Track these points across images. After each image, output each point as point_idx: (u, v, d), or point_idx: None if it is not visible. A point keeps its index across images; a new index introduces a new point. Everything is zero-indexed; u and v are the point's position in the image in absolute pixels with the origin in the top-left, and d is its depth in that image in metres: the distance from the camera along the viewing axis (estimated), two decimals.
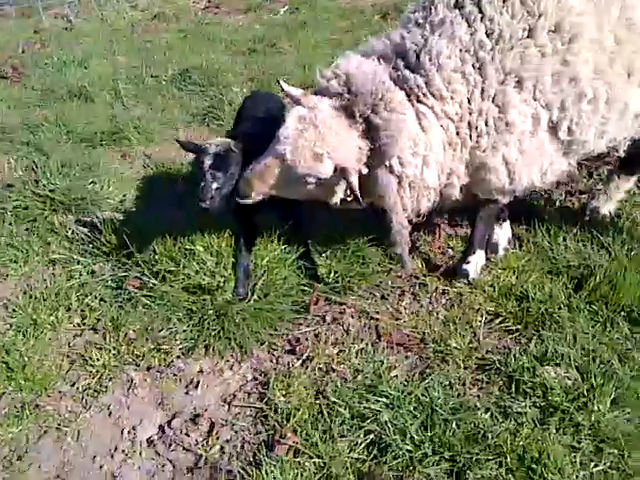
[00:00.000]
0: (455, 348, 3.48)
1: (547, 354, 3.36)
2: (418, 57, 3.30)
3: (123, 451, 3.06)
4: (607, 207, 4.42)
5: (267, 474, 2.83)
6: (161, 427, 3.16)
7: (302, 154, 3.16)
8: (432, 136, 3.31)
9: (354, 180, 3.19)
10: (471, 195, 3.69)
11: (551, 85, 3.27)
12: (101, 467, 3.00)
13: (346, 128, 3.20)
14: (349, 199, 3.39)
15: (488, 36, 3.27)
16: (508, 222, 4.21)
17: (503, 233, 4.18)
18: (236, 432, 3.12)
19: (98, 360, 3.48)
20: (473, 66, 3.27)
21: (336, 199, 3.43)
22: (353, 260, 4.07)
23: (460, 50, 3.27)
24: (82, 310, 3.81)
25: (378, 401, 3.13)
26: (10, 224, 4.51)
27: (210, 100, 6.47)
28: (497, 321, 3.68)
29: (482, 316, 3.71)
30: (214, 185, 3.45)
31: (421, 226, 4.28)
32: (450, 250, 4.27)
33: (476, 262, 3.96)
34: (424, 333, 3.60)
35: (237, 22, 9.26)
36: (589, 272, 3.84)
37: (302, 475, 2.84)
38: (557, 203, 4.65)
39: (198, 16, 9.61)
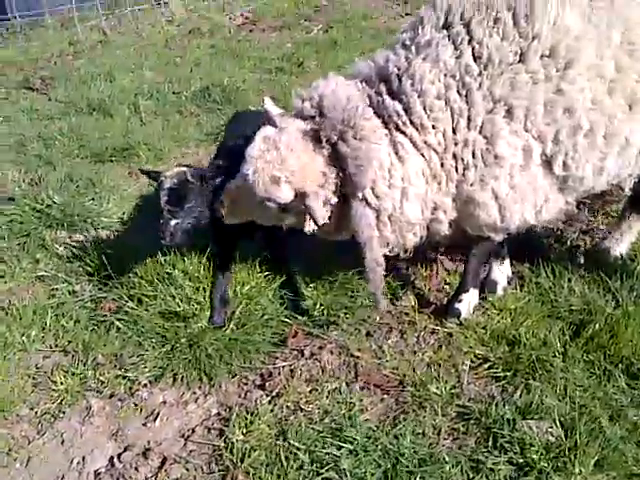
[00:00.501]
0: (435, 393, 3.25)
1: (532, 406, 3.10)
2: (400, 81, 3.13)
3: None
4: (619, 248, 4.13)
5: None
6: (111, 459, 3.02)
7: (261, 176, 3.03)
8: (410, 167, 3.13)
9: (313, 204, 3.02)
10: (461, 231, 3.48)
11: (544, 115, 3.06)
12: None
13: (310, 152, 3.06)
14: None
15: (476, 60, 3.08)
16: (508, 260, 3.97)
17: (503, 271, 3.95)
18: (187, 470, 2.94)
19: (62, 384, 3.36)
20: (459, 92, 3.09)
21: (308, 227, 3.25)
22: (340, 293, 3.90)
23: (445, 75, 3.09)
24: (56, 331, 3.70)
25: (341, 447, 2.92)
26: (3, 238, 4.47)
27: (226, 118, 6.39)
28: (485, 366, 3.43)
29: (469, 360, 3.47)
30: (172, 222, 3.33)
31: (418, 260, 4.09)
32: (447, 287, 4.05)
33: (469, 301, 3.74)
34: (404, 375, 3.38)
35: (269, 39, 9.22)
36: (590, 318, 3.57)
37: None
38: (567, 241, 4.37)
39: (232, 32, 9.59)
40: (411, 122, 3.11)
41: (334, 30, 9.55)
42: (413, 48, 3.20)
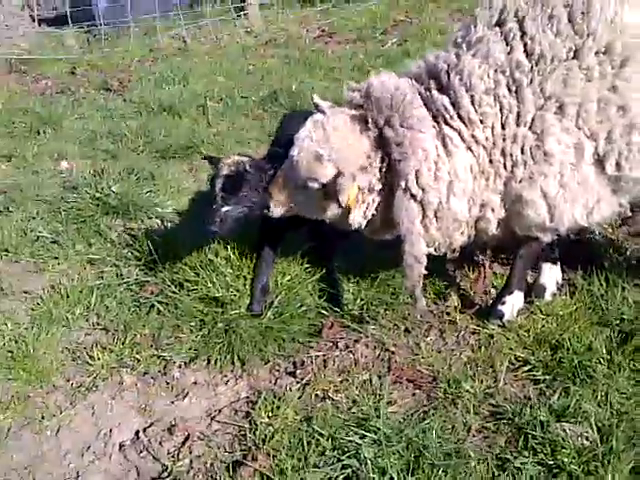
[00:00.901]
0: (468, 391, 3.15)
1: (569, 409, 2.96)
2: (449, 77, 3.09)
3: (94, 452, 2.97)
4: None
5: None
6: (137, 433, 3.05)
7: (305, 154, 3.06)
8: (457, 161, 3.07)
9: (344, 182, 3.00)
10: (510, 231, 3.38)
11: (597, 113, 2.96)
12: (69, 464, 2.92)
13: (356, 134, 3.08)
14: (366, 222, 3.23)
15: (527, 56, 3.01)
16: (559, 265, 3.82)
17: (552, 276, 3.80)
18: (210, 447, 2.94)
19: (99, 360, 3.43)
20: (508, 88, 3.02)
21: (352, 219, 3.22)
22: (381, 289, 3.83)
23: (495, 70, 3.03)
24: (99, 310, 3.79)
25: (365, 436, 2.86)
26: (61, 223, 4.64)
27: None
28: (524, 369, 3.31)
29: (508, 362, 3.35)
30: (224, 208, 3.32)
31: (465, 261, 4.00)
32: (493, 290, 3.93)
33: (512, 303, 3.61)
34: (439, 372, 3.29)
35: (342, 51, 9.26)
36: (639, 326, 3.40)
37: None
38: (622, 247, 4.17)
39: (306, 43, 9.71)
40: (459, 116, 3.06)
41: (408, 43, 9.51)
42: (464, 45, 3.17)
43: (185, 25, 10.21)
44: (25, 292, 4.03)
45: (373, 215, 3.28)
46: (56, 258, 4.33)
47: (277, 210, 3.40)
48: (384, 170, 3.11)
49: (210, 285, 3.69)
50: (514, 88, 3.00)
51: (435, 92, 3.11)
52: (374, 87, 3.08)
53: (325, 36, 10.38)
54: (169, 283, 3.78)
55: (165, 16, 10.46)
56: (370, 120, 3.04)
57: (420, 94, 3.15)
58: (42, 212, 4.83)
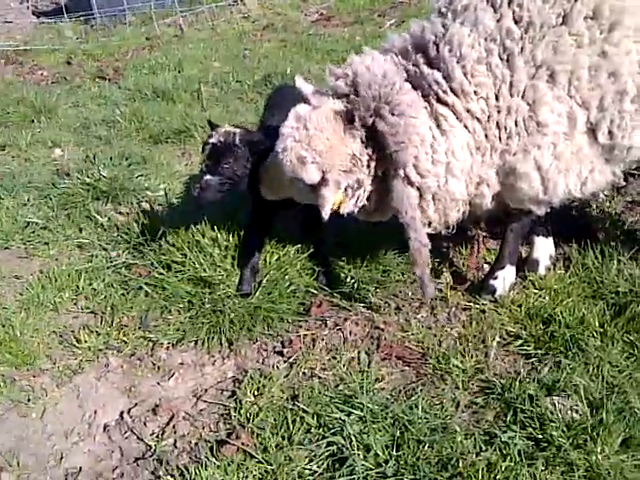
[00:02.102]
0: (457, 367, 3.10)
1: (559, 383, 2.90)
2: (438, 49, 3.00)
3: (78, 433, 2.95)
4: None
5: (209, 474, 2.60)
6: (121, 414, 3.02)
7: (289, 155, 2.97)
8: (454, 141, 2.99)
9: (326, 194, 2.95)
10: (503, 204, 3.31)
11: (588, 80, 2.88)
12: (54, 446, 2.89)
13: (339, 134, 2.96)
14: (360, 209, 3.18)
15: (516, 23, 2.93)
16: (551, 238, 3.76)
17: (545, 250, 3.74)
18: (195, 427, 2.92)
19: (85, 342, 3.41)
20: (500, 57, 2.93)
21: (344, 209, 3.15)
22: (373, 267, 3.79)
23: (485, 39, 2.95)
24: (88, 294, 3.77)
25: (351, 413, 2.82)
26: (52, 209, 4.62)
27: None
28: (516, 343, 3.25)
29: (499, 336, 3.29)
30: (206, 177, 3.29)
31: (458, 237, 3.93)
32: (486, 266, 3.86)
33: (504, 278, 3.56)
34: (428, 348, 3.25)
35: (340, 34, 9.19)
36: (635, 299, 3.33)
37: (245, 479, 2.59)
38: (618, 219, 4.10)
39: (304, 27, 9.64)
40: (452, 90, 2.95)
41: (406, 24, 9.42)
42: (450, 14, 3.08)
43: (182, 13, 10.18)
44: (15, 277, 4.02)
45: (365, 203, 3.21)
46: (46, 244, 4.31)
47: (268, 194, 3.36)
48: (374, 164, 3.02)
49: (198, 266, 3.65)
50: (505, 57, 2.91)
51: (425, 67, 3.00)
52: (360, 75, 2.94)
53: (323, 19, 10.33)
54: (157, 265, 3.75)
55: (162, 4, 10.43)
56: (357, 119, 2.92)
57: (407, 71, 3.04)
58: (33, 199, 4.81)
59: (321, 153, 2.95)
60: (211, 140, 3.33)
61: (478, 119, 2.98)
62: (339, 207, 3.11)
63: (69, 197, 4.73)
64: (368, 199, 3.17)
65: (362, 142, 2.99)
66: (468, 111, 2.97)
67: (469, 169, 3.06)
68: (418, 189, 3.05)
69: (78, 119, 6.52)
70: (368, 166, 3.04)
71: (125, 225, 4.28)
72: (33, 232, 4.42)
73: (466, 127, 3.00)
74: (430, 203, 3.12)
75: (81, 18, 10.70)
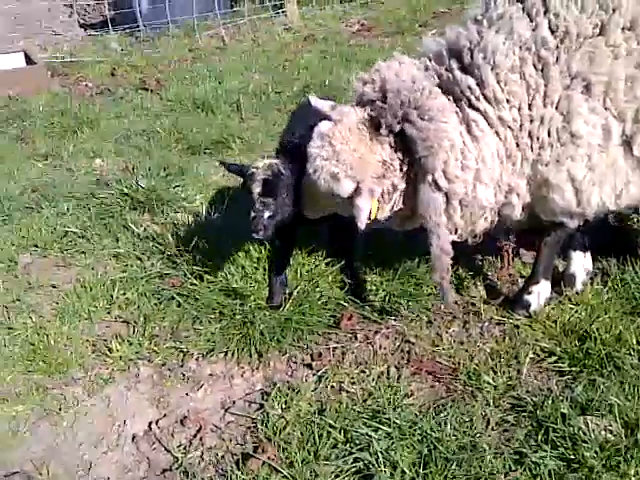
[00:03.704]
0: (489, 384, 3.04)
1: (593, 402, 2.83)
2: (472, 55, 2.97)
3: (108, 443, 2.96)
4: None
5: None
6: (149, 424, 3.04)
7: (321, 174, 2.96)
8: (484, 147, 2.93)
9: (362, 204, 2.90)
10: (534, 217, 3.25)
11: (624, 92, 2.81)
12: (83, 456, 2.92)
13: (366, 142, 2.93)
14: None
15: (552, 33, 2.88)
16: (589, 253, 3.67)
17: (582, 265, 3.65)
18: (222, 439, 2.92)
19: (117, 351, 3.44)
20: (534, 66, 2.88)
21: (382, 214, 3.12)
22: (404, 280, 3.74)
23: (519, 48, 2.90)
24: (121, 303, 3.81)
25: (379, 429, 2.78)
26: (90, 219, 4.69)
27: None
28: (550, 360, 3.19)
29: (533, 353, 3.22)
30: (266, 214, 3.21)
31: (491, 249, 3.88)
32: (520, 279, 3.79)
33: (539, 293, 3.48)
34: (460, 364, 3.19)
35: (381, 44, 9.16)
36: None
37: None
38: None
39: (345, 38, 9.65)
40: (484, 97, 2.91)
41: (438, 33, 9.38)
42: (485, 22, 3.03)
43: (224, 24, 10.27)
44: (52, 286, 4.08)
45: (402, 207, 3.18)
46: (83, 253, 4.38)
47: (311, 214, 3.37)
48: (406, 167, 2.98)
49: (229, 277, 3.67)
50: (540, 66, 2.86)
51: (458, 72, 2.95)
52: (389, 82, 2.90)
53: (364, 30, 10.29)
54: (189, 276, 3.77)
55: (204, 16, 10.55)
56: (383, 126, 2.88)
57: (440, 76, 3.02)
58: (72, 208, 4.88)
59: (351, 165, 2.92)
60: (259, 177, 3.23)
61: (510, 127, 2.93)
62: (376, 216, 3.08)
63: (107, 207, 4.80)
64: (404, 203, 3.13)
65: (391, 147, 2.96)
66: (500, 119, 2.92)
67: (498, 177, 3.00)
68: (445, 195, 3.00)
69: (119, 130, 6.60)
70: (401, 169, 3.00)
71: (160, 235, 4.32)
72: (71, 241, 4.50)
73: (497, 134, 2.95)
74: (457, 209, 3.06)
75: (126, 30, 10.88)
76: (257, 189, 3.22)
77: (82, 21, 13.07)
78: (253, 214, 3.22)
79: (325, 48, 9.34)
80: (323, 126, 3.04)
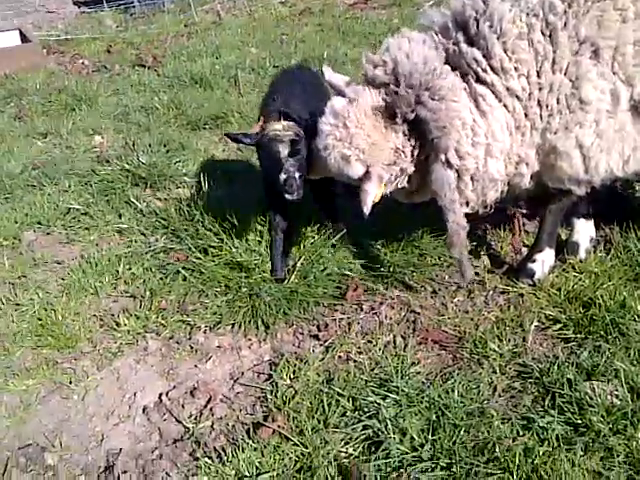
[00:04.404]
0: (495, 351, 3.07)
1: (598, 368, 2.86)
2: (478, 25, 2.94)
3: (119, 415, 3.00)
4: None
5: (246, 457, 2.63)
6: (160, 396, 3.07)
7: (332, 154, 2.95)
8: (493, 121, 2.92)
9: (369, 188, 2.91)
10: (543, 184, 3.25)
11: (632, 56, 2.80)
12: (94, 428, 2.95)
13: (380, 129, 2.92)
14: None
15: None
16: (592, 221, 3.68)
17: (585, 233, 3.66)
18: (232, 409, 2.95)
19: (125, 325, 3.46)
20: (542, 33, 2.85)
21: (387, 192, 3.13)
22: (409, 250, 3.76)
23: (527, 14, 2.87)
24: (127, 278, 3.82)
25: (387, 397, 2.81)
26: (92, 195, 4.70)
27: None
28: (555, 327, 3.21)
29: (538, 320, 3.25)
30: (297, 174, 3.19)
31: (495, 219, 3.89)
32: (525, 249, 3.80)
33: (543, 261, 3.50)
34: (465, 332, 3.22)
35: (377, 16, 9.11)
36: None
37: (281, 462, 2.61)
38: None
39: (341, 10, 9.58)
40: (491, 68, 2.88)
41: (444, 4, 9.30)
42: None
43: None
44: (57, 262, 4.10)
45: (406, 185, 3.18)
46: (87, 229, 4.40)
47: (314, 177, 3.38)
48: (417, 152, 2.98)
49: (234, 250, 3.68)
50: (548, 32, 2.83)
51: (464, 45, 2.92)
52: (400, 64, 2.86)
53: (360, 2, 10.23)
54: (194, 250, 3.79)
55: None
56: (399, 116, 2.86)
57: (447, 51, 2.99)
58: (74, 185, 4.90)
59: (364, 150, 2.92)
60: (286, 138, 3.19)
61: (518, 97, 2.91)
62: (380, 199, 3.08)
63: (109, 183, 4.81)
64: (409, 181, 3.13)
65: (404, 135, 2.95)
66: (508, 89, 2.90)
67: (508, 149, 3.00)
68: (456, 171, 3.01)
69: (118, 107, 6.60)
70: (412, 155, 3.00)
71: (163, 211, 4.33)
72: (74, 218, 4.52)
73: (506, 106, 2.93)
74: (469, 184, 3.06)
75: (121, 7, 10.80)
76: (285, 150, 3.20)
77: None
78: (284, 175, 3.18)
79: (322, 21, 9.31)
80: (337, 103, 3.02)
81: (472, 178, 3.04)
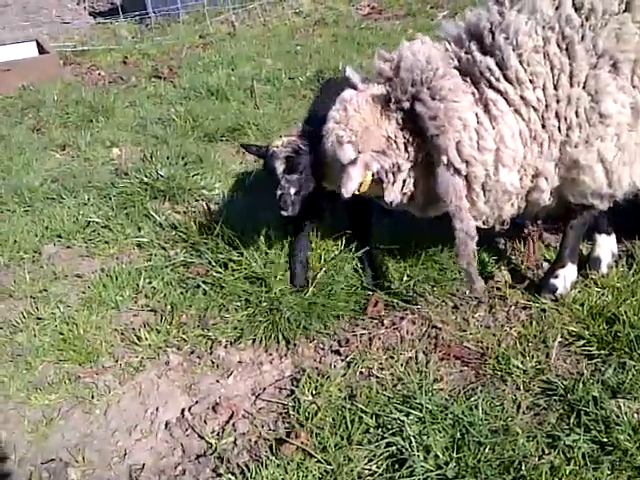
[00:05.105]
0: (518, 368, 3.05)
1: (624, 385, 2.84)
2: (493, 36, 2.94)
3: (141, 430, 3.00)
4: None
5: (269, 473, 2.62)
6: (182, 411, 3.07)
7: (330, 137, 3.04)
8: (504, 127, 2.92)
9: (351, 171, 2.96)
10: (563, 201, 3.23)
11: None
12: (117, 443, 2.96)
13: (375, 115, 2.98)
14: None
15: (577, 10, 2.85)
16: (614, 235, 3.66)
17: (607, 247, 3.64)
18: (254, 426, 2.94)
19: (146, 340, 3.47)
20: (558, 46, 2.85)
21: (388, 196, 3.14)
22: (429, 265, 3.75)
23: (543, 27, 2.87)
24: (147, 292, 3.83)
25: (410, 413, 2.80)
26: (112, 208, 4.72)
27: None
28: (578, 344, 3.18)
29: (561, 336, 3.23)
30: (292, 190, 3.27)
31: (515, 233, 3.88)
32: (546, 263, 3.78)
33: (565, 276, 3.48)
34: (488, 348, 3.20)
35: (392, 27, 9.13)
36: None
37: (305, 479, 2.60)
38: None
39: (355, 21, 9.61)
40: (505, 77, 2.89)
41: (458, 16, 9.30)
42: (507, 2, 3.01)
43: (234, 10, 10.25)
44: (77, 276, 4.11)
45: (413, 193, 3.18)
46: (106, 242, 4.41)
47: (330, 186, 3.36)
48: (413, 148, 3.01)
49: (254, 264, 3.68)
50: (564, 45, 2.83)
51: (477, 54, 2.94)
52: (405, 59, 2.93)
53: (374, 13, 10.27)
54: (214, 264, 3.80)
55: (214, 2, 10.53)
56: (393, 100, 2.93)
57: (460, 59, 3.01)
58: (93, 198, 4.92)
59: (357, 133, 2.99)
60: (281, 155, 3.28)
61: (534, 107, 2.91)
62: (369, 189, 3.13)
63: (128, 196, 4.83)
64: (415, 187, 3.14)
65: (398, 124, 2.99)
66: (523, 98, 2.90)
67: (522, 159, 2.98)
68: (466, 178, 3.00)
69: (135, 118, 6.64)
70: (406, 150, 3.03)
71: (182, 224, 4.35)
72: (94, 231, 4.54)
73: (520, 114, 2.92)
74: (480, 194, 3.06)
75: (136, 18, 10.87)
76: (281, 167, 3.28)
77: (91, 9, 13.06)
78: (279, 192, 3.26)
79: (336, 32, 9.33)
80: (346, 93, 3.13)
81: (484, 188, 3.04)
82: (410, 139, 2.99)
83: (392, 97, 2.93)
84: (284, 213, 3.28)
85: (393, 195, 3.14)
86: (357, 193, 3.12)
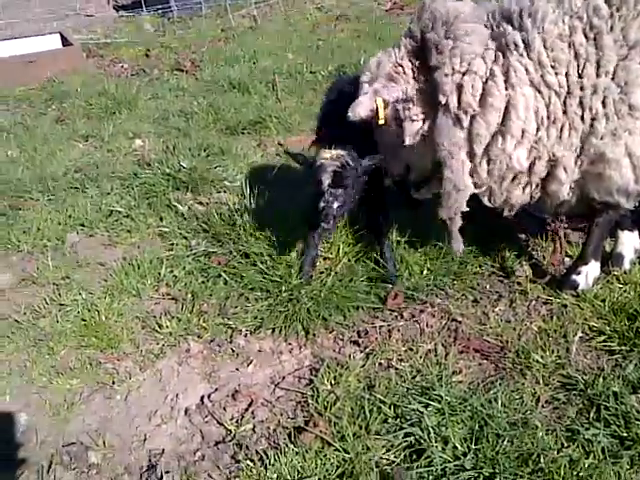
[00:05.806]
0: (538, 362, 3.04)
1: None
2: (522, 19, 2.93)
3: (161, 416, 3.02)
4: None
5: (288, 461, 2.63)
6: (202, 398, 3.09)
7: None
8: (519, 95, 2.89)
9: (363, 98, 3.02)
10: (587, 198, 3.19)
11: None
12: (137, 428, 2.98)
13: (390, 51, 3.07)
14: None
15: (607, 1, 2.83)
16: (637, 232, 3.63)
17: (630, 244, 3.61)
18: (273, 414, 2.95)
19: (167, 327, 3.49)
20: (585, 35, 2.83)
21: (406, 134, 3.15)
22: (449, 258, 3.74)
23: (570, 16, 2.86)
24: (169, 280, 3.86)
25: (429, 405, 2.80)
26: (135, 198, 4.76)
27: None
28: (599, 339, 3.17)
29: (582, 332, 3.21)
30: (335, 205, 3.20)
31: (537, 230, 3.87)
32: (568, 259, 3.76)
33: (587, 272, 3.46)
34: (508, 342, 3.20)
35: None
36: None
37: (323, 467, 2.61)
38: None
39: (377, 16, 9.60)
40: (529, 57, 2.89)
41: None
42: None
43: (256, 4, 10.28)
44: (99, 264, 4.15)
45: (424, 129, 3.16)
46: (129, 232, 4.45)
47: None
48: (421, 77, 3.03)
49: (274, 254, 3.70)
50: (592, 35, 2.82)
51: (509, 27, 2.94)
52: (436, 11, 2.94)
53: (396, 8, 10.25)
54: (235, 254, 3.82)
55: None
56: (410, 33, 3.00)
57: (491, 27, 3.00)
58: (116, 188, 4.97)
59: (370, 69, 3.07)
60: (329, 169, 3.20)
61: (555, 91, 2.88)
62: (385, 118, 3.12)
63: (150, 187, 4.86)
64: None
65: (407, 49, 3.02)
66: (543, 79, 2.88)
67: (534, 136, 2.95)
68: (469, 135, 2.99)
69: (157, 110, 6.69)
70: (414, 79, 3.04)
71: (204, 215, 4.38)
72: (116, 220, 4.58)
73: (541, 93, 2.90)
74: (483, 161, 3.04)
75: (159, 11, 10.93)
76: (327, 180, 3.19)
77: (114, 2, 13.15)
78: (323, 204, 3.19)
79: (358, 27, 9.32)
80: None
81: (488, 155, 3.02)
82: (418, 67, 3.01)
83: (410, 30, 2.99)
84: (325, 226, 3.21)
85: (409, 132, 3.13)
86: (381, 124, 3.12)
